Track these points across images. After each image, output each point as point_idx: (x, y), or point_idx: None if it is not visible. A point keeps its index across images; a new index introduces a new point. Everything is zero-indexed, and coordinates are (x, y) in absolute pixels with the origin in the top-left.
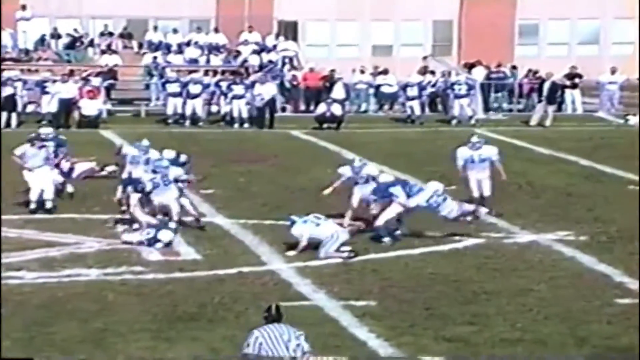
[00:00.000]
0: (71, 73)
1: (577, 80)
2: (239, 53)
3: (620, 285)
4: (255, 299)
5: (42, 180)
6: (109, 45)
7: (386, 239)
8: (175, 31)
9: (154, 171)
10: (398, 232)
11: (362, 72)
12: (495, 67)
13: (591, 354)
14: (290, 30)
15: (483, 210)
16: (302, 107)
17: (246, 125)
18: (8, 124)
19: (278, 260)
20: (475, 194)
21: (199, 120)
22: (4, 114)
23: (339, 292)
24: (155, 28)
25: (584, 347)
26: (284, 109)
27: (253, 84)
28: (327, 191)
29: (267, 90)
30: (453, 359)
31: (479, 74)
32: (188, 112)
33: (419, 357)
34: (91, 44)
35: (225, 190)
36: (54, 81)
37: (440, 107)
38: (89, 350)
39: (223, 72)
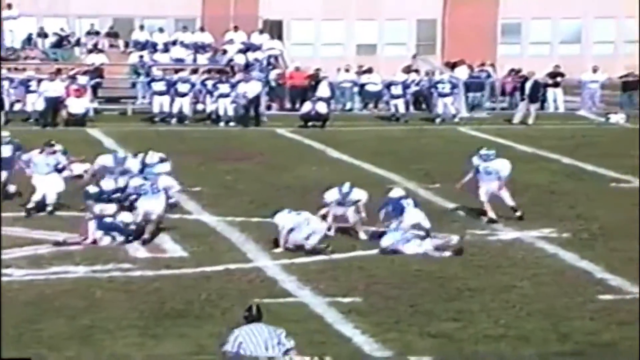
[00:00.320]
0: (58, 72)
1: (559, 78)
2: (225, 52)
3: (602, 282)
4: (242, 296)
5: (48, 187)
6: (95, 44)
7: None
8: (161, 30)
9: (145, 178)
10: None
11: (347, 70)
12: (478, 66)
13: (573, 349)
14: (275, 29)
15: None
16: (288, 105)
17: (232, 123)
18: None
19: (264, 258)
20: (484, 202)
21: (185, 118)
22: None
23: (325, 289)
24: (142, 27)
25: (566, 343)
26: (269, 107)
27: (239, 82)
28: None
29: (252, 88)
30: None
31: (462, 72)
32: (175, 110)
33: (407, 357)
34: (78, 42)
35: (211, 188)
36: (40, 80)
37: (424, 105)
38: (77, 347)
39: (209, 71)
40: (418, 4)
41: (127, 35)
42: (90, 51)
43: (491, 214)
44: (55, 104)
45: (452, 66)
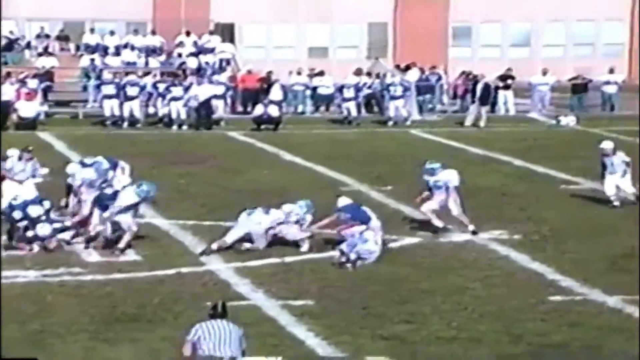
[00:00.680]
0: (8, 75)
1: (509, 81)
2: (180, 55)
3: (553, 283)
4: (195, 299)
5: (25, 193)
6: (45, 47)
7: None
8: (112, 33)
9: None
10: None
11: (299, 73)
12: (429, 69)
13: (526, 351)
14: (227, 32)
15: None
16: (240, 108)
17: (184, 127)
18: None
19: (217, 261)
20: (429, 212)
21: (137, 122)
22: None
23: (278, 292)
24: (92, 30)
25: (518, 344)
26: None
27: (191, 85)
28: None
29: (204, 91)
30: None
31: (413, 75)
32: (126, 113)
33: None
34: (28, 46)
35: (164, 191)
36: None
37: (376, 108)
38: (28, 351)
39: (162, 74)
40: (369, 7)
41: (78, 38)
42: (40, 54)
43: (437, 222)
44: (5, 108)
45: (405, 69)
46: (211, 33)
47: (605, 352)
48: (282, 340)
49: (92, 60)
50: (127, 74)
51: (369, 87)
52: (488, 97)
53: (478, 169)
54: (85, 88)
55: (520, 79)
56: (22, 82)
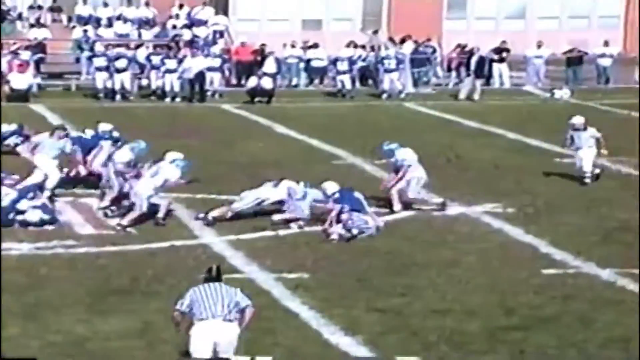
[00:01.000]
0: (0, 46)
1: (504, 54)
2: (173, 27)
3: (546, 256)
4: (188, 272)
5: (52, 170)
6: (38, 19)
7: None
8: (105, 5)
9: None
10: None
11: (293, 46)
12: (424, 42)
13: (519, 324)
14: (220, 4)
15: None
16: (234, 81)
17: (178, 99)
18: None
19: (210, 234)
20: (393, 193)
21: (129, 94)
22: None
23: (272, 265)
24: (85, 1)
25: (512, 317)
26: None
27: (184, 57)
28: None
29: (197, 64)
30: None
31: (408, 48)
32: (117, 86)
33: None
34: (20, 17)
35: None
36: None
37: (370, 81)
38: (22, 323)
39: (155, 47)
40: None
41: (71, 9)
42: (32, 26)
43: (396, 206)
44: None
45: (399, 42)
46: (205, 5)
47: (598, 325)
48: (276, 313)
49: (85, 31)
50: (119, 45)
51: (363, 60)
52: (483, 70)
53: (472, 142)
54: (77, 60)
55: (515, 51)
56: (14, 54)
